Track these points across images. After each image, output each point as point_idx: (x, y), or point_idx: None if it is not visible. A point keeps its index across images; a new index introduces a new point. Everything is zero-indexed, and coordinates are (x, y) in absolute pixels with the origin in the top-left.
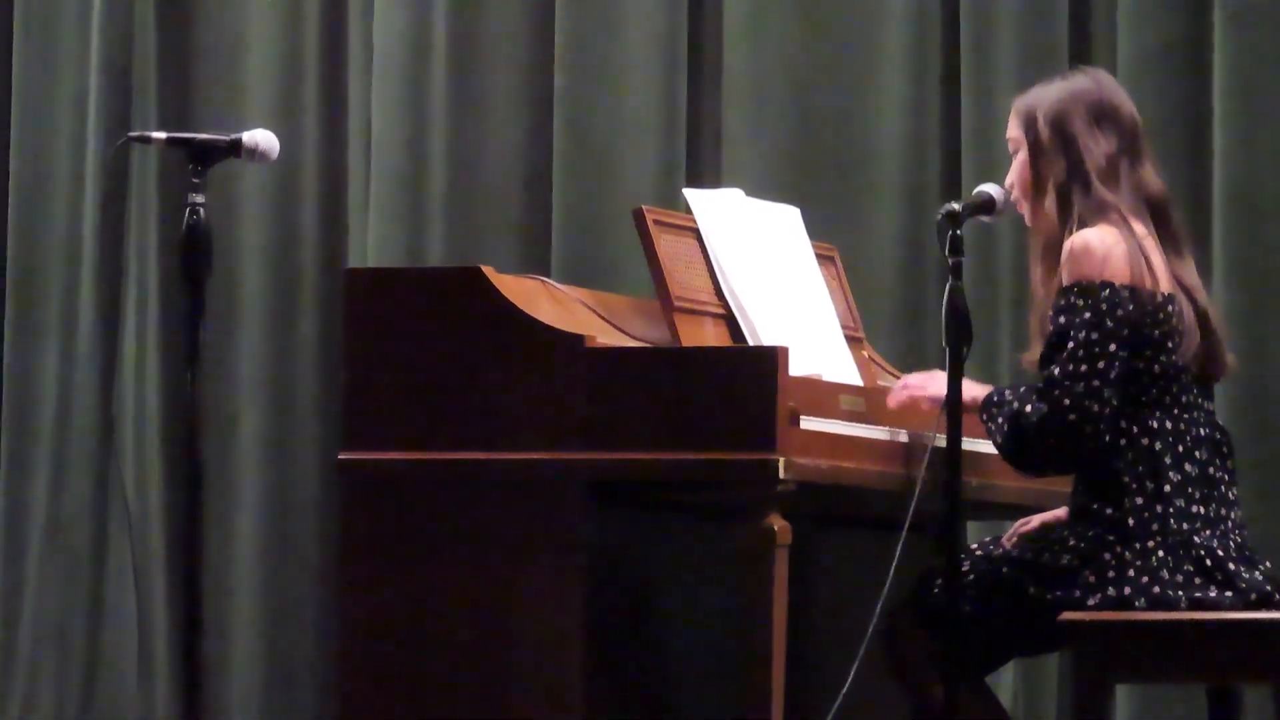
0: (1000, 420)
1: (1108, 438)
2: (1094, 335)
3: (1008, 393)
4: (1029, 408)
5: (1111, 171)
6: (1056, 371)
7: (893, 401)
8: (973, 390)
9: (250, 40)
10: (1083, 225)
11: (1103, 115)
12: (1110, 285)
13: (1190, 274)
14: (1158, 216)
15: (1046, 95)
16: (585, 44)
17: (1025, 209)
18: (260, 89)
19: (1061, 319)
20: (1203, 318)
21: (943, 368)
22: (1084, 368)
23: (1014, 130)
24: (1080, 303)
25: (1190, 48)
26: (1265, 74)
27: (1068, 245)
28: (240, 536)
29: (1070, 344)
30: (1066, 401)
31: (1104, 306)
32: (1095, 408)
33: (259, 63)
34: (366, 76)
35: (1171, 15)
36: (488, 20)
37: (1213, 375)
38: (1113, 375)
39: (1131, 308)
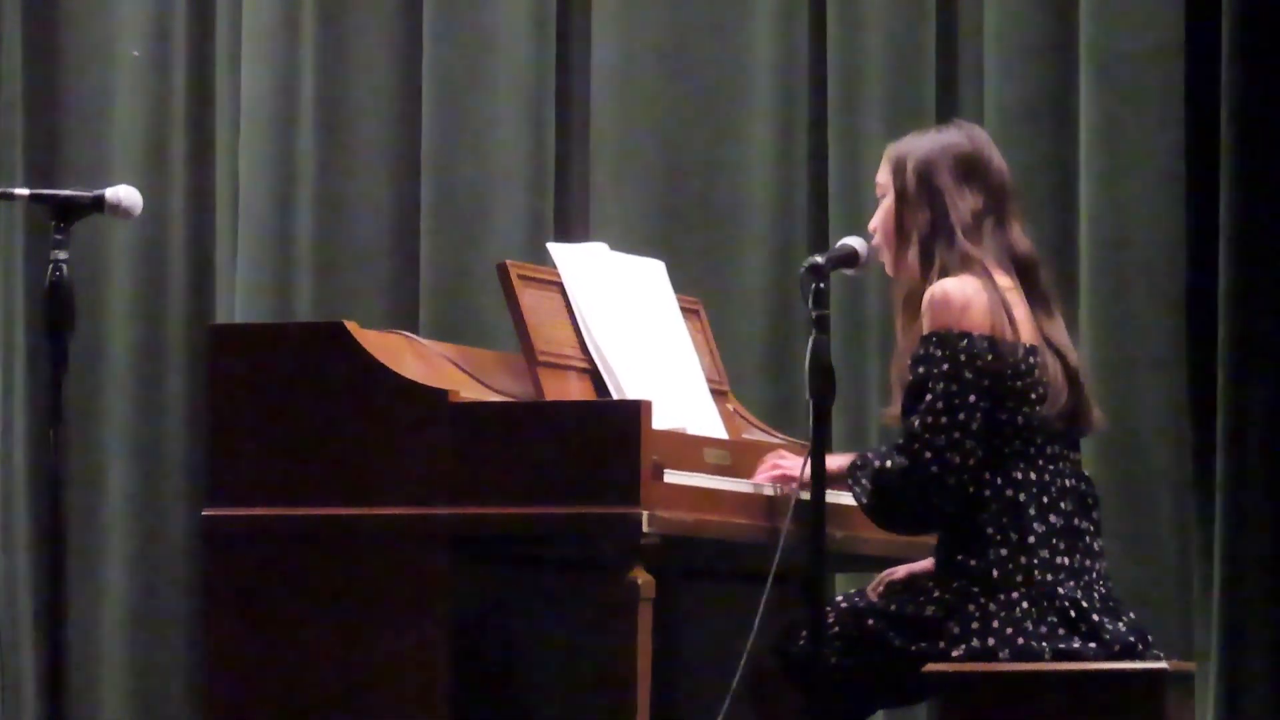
0: (864, 481)
1: (971, 490)
2: (953, 386)
3: (870, 454)
4: (889, 463)
5: (976, 228)
6: (916, 424)
7: (762, 477)
8: (839, 460)
9: (117, 94)
10: (945, 275)
11: (972, 172)
12: (969, 335)
13: (1059, 333)
14: (1025, 276)
15: (918, 145)
16: (452, 99)
17: (886, 257)
18: (127, 144)
19: (920, 369)
20: (1072, 376)
21: (807, 419)
22: (944, 419)
23: (883, 175)
24: (939, 353)
25: (1057, 100)
26: (1130, 125)
27: (928, 294)
28: (108, 595)
29: (929, 395)
30: (927, 454)
31: (963, 357)
32: (957, 459)
33: (126, 117)
34: (234, 131)
35: (1038, 67)
36: (355, 76)
37: (1081, 430)
38: (974, 426)
39: (991, 358)
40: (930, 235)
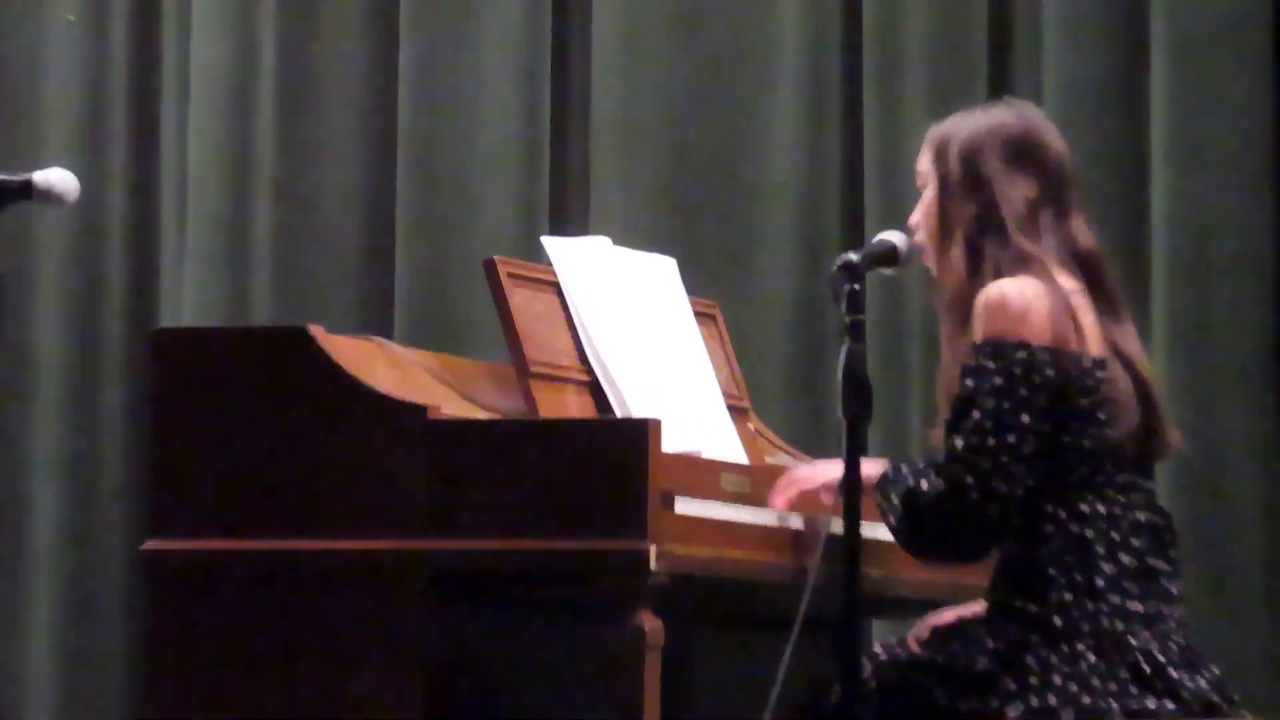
0: (894, 498)
1: (1019, 523)
2: (1005, 403)
3: (904, 467)
4: (925, 484)
5: (1031, 220)
6: (960, 444)
7: (780, 501)
8: (869, 468)
9: (48, 65)
10: (998, 276)
11: (1024, 155)
12: (1028, 346)
13: (1129, 340)
14: (1090, 275)
15: (963, 126)
16: (434, 73)
17: (930, 256)
18: (60, 121)
19: (969, 382)
20: (1143, 391)
21: (839, 441)
22: (991, 441)
23: (924, 162)
24: (991, 364)
25: (1126, 80)
26: (1210, 105)
27: (982, 297)
28: (35, 636)
29: (977, 412)
30: (969, 479)
31: (1018, 370)
32: (1003, 488)
33: (58, 91)
34: (182, 108)
35: (1105, 43)
36: (323, 46)
37: (1154, 455)
38: (1025, 450)
39: (1052, 373)
40: (978, 230)
